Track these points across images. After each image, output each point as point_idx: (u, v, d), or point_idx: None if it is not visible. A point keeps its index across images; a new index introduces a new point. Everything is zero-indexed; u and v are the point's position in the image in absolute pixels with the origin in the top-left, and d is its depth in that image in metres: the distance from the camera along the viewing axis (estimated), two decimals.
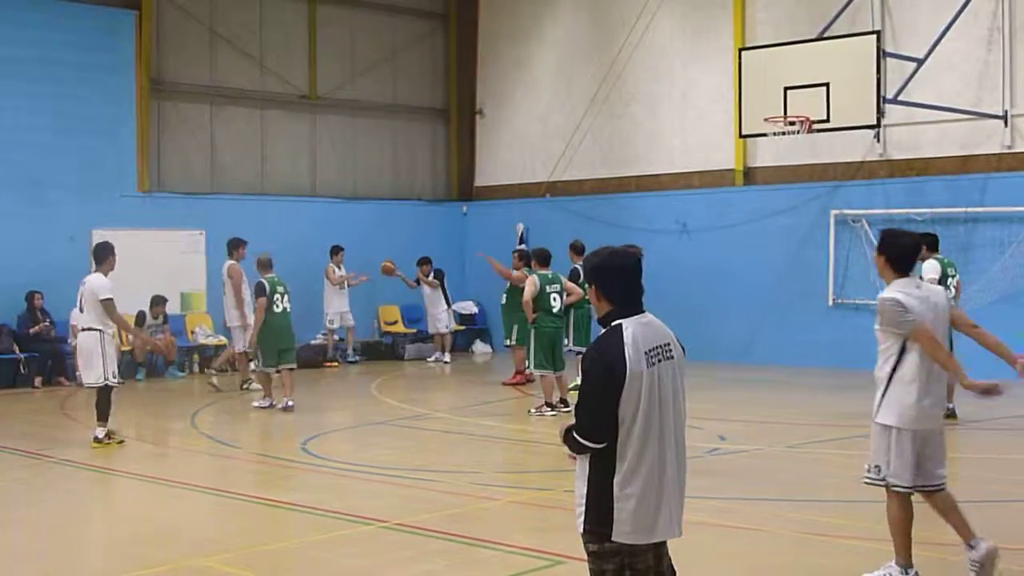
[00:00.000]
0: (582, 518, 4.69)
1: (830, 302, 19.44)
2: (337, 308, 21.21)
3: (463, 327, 24.29)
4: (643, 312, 4.76)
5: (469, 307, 24.50)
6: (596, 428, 4.59)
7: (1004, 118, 17.97)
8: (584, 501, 4.68)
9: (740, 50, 18.55)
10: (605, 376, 4.58)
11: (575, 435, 4.64)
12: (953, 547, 8.01)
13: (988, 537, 7.06)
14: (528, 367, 15.01)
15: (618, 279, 4.76)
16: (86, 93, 19.79)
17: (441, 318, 22.17)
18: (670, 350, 4.74)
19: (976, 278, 17.86)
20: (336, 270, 21.26)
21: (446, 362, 21.89)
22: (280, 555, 8.18)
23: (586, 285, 16.76)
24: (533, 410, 14.70)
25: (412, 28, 25.04)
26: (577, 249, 17.30)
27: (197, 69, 21.80)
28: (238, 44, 22.28)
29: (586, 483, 4.67)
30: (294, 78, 23.08)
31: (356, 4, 24.04)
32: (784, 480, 10.71)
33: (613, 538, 4.60)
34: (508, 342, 17.72)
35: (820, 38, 17.48)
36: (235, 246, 17.79)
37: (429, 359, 22.22)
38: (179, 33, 21.55)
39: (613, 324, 4.69)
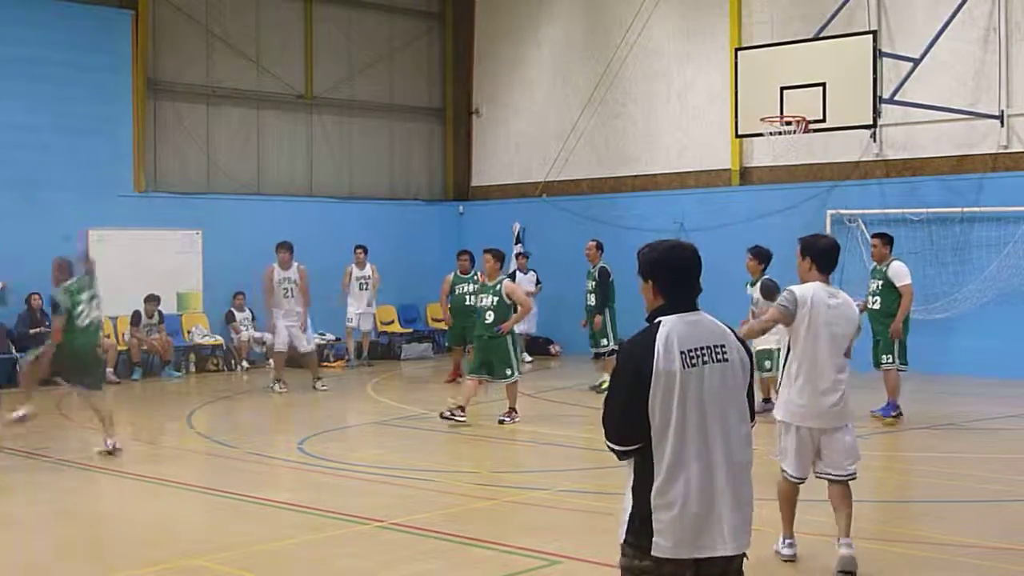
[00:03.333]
0: (624, 527, 4.38)
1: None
2: (354, 309, 20.45)
3: None
4: (695, 310, 4.45)
5: None
6: (620, 430, 4.33)
7: (1000, 118, 17.99)
8: (628, 513, 4.36)
9: (736, 50, 18.55)
10: (631, 375, 4.30)
11: (604, 436, 4.38)
12: (952, 547, 8.02)
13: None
14: (512, 375, 13.91)
15: (676, 275, 4.45)
16: (82, 93, 19.75)
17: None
18: (723, 352, 4.38)
19: (972, 278, 17.89)
20: (355, 270, 20.55)
21: (528, 361, 20.83)
22: (277, 555, 8.17)
23: (593, 284, 16.42)
24: (506, 418, 13.93)
25: (408, 28, 25.05)
26: (601, 248, 17.19)
27: (194, 69, 21.78)
28: (234, 44, 22.27)
29: (630, 492, 4.36)
30: (291, 78, 23.07)
31: (352, 4, 24.03)
32: None
33: (652, 552, 4.27)
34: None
35: (816, 38, 17.49)
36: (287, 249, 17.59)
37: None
38: (176, 33, 21.53)
39: (654, 321, 4.41)
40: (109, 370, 18.79)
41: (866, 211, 18.95)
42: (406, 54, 24.97)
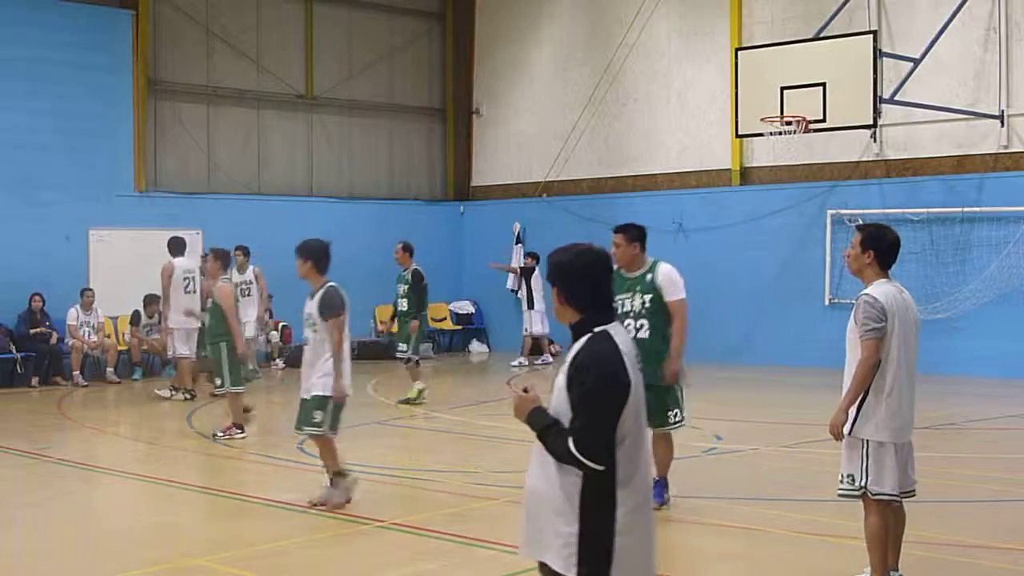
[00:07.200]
0: (574, 559, 4.05)
1: (826, 301, 19.46)
2: (247, 316, 17.13)
3: (459, 327, 24.37)
4: (614, 320, 4.26)
5: (466, 307, 24.54)
6: (603, 448, 4.04)
7: (1000, 118, 18.00)
8: (577, 540, 4.05)
9: (737, 50, 18.58)
10: (612, 388, 4.05)
11: (577, 455, 4.02)
12: (952, 547, 8.02)
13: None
14: (223, 385, 12.88)
15: (588, 283, 4.22)
16: (83, 93, 19.76)
17: (525, 318, 21.12)
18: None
19: (972, 278, 17.90)
20: (235, 275, 17.13)
21: (515, 365, 20.57)
22: (278, 555, 8.17)
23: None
24: (221, 433, 12.88)
25: (409, 28, 25.05)
26: (409, 250, 15.99)
27: (194, 69, 21.79)
28: (235, 44, 22.27)
29: (577, 518, 4.06)
30: (291, 78, 23.07)
31: (353, 4, 24.03)
32: (783, 480, 10.72)
33: None
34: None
35: (817, 38, 17.50)
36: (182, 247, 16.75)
37: (512, 363, 20.76)
38: (176, 33, 21.54)
39: (597, 330, 4.14)
40: (109, 370, 18.84)
41: (866, 211, 18.94)
42: (406, 54, 24.97)
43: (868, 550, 6.71)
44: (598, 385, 4.05)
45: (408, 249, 15.94)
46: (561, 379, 4.15)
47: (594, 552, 4.04)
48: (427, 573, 7.62)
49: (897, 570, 6.87)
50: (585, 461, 4.01)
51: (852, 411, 6.64)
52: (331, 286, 9.45)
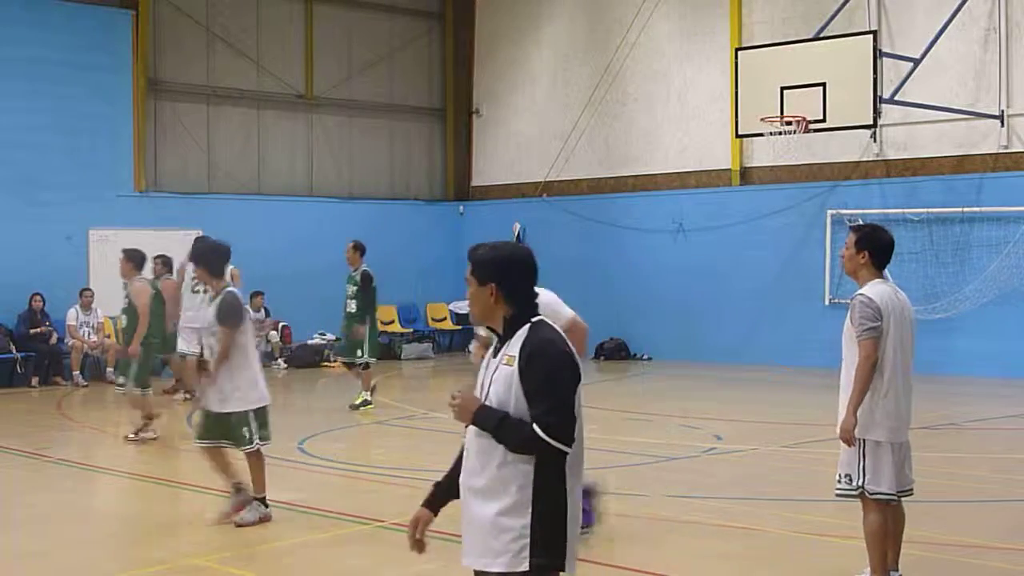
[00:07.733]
0: (526, 551, 3.98)
1: (826, 301, 19.46)
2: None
3: (459, 327, 24.38)
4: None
5: (466, 307, 24.52)
6: (571, 428, 4.00)
7: (1000, 118, 18.00)
8: (529, 530, 3.99)
9: (737, 50, 18.59)
10: (570, 370, 4.02)
11: (546, 439, 3.95)
12: (952, 547, 8.02)
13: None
14: (125, 384, 12.98)
15: (530, 279, 4.18)
16: (83, 93, 19.77)
17: None
18: None
19: (972, 278, 17.90)
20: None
21: None
22: (278, 554, 8.17)
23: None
24: (132, 435, 12.93)
25: (409, 28, 25.05)
26: (360, 249, 15.39)
27: (194, 69, 21.79)
28: (235, 44, 22.28)
29: (529, 509, 3.99)
30: (291, 78, 23.08)
31: (353, 4, 24.04)
32: (782, 480, 10.71)
33: (566, 571, 4.03)
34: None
35: (817, 38, 17.52)
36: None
37: None
38: (176, 33, 21.54)
39: (534, 320, 4.10)
40: (109, 370, 18.83)
41: (866, 211, 18.95)
42: (406, 54, 24.97)
43: (867, 550, 6.72)
44: (556, 368, 4.01)
45: (359, 248, 15.29)
46: (506, 371, 4.04)
47: (548, 540, 3.99)
48: (427, 573, 7.61)
49: (897, 570, 6.86)
50: (554, 443, 3.95)
51: None
52: (229, 292, 8.81)
